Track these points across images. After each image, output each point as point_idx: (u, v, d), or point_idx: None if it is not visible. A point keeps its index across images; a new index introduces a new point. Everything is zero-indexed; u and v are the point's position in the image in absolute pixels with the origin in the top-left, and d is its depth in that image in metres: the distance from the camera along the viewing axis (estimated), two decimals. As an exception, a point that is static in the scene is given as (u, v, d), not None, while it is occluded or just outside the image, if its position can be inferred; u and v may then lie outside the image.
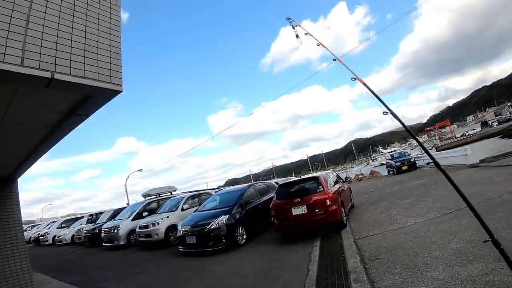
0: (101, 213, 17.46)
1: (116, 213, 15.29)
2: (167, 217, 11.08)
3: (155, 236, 10.62)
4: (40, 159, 4.79)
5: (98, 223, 15.46)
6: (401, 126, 3.35)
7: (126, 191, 29.60)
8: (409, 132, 3.66)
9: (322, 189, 8.14)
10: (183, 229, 8.92)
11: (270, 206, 8.51)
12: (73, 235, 18.33)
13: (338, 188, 9.15)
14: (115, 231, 12.38)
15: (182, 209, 11.57)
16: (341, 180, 10.78)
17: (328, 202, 7.73)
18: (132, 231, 12.36)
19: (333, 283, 4.67)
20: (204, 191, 13.29)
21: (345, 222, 8.20)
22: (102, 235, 13.07)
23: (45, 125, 3.55)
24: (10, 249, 5.57)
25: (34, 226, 30.28)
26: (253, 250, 7.84)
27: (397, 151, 36.82)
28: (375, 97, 3.39)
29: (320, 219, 7.59)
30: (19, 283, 5.56)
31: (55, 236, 20.18)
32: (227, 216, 8.69)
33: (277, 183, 11.74)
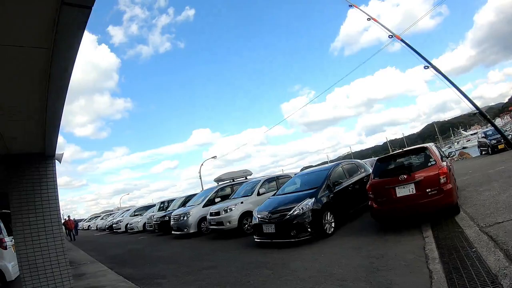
0: (173, 200, 17.09)
1: (187, 199, 14.66)
2: (241, 202, 9.95)
3: (227, 224, 9.60)
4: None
5: (168, 210, 15.04)
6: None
7: (200, 178, 29.72)
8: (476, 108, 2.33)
9: (434, 162, 6.32)
10: (259, 216, 7.69)
11: (367, 186, 6.88)
12: (144, 223, 18.42)
13: (447, 164, 7.18)
14: (185, 218, 11.67)
15: (258, 194, 10.36)
16: (445, 156, 8.68)
17: (442, 179, 5.94)
18: (203, 219, 11.51)
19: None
20: (283, 175, 12.00)
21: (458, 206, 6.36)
22: (171, 222, 12.47)
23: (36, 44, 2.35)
24: (44, 237, 4.68)
25: (110, 214, 31.83)
26: (345, 242, 6.34)
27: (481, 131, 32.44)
28: (415, 53, 3.12)
29: (433, 201, 5.87)
30: (53, 275, 4.67)
31: (127, 224, 20.59)
32: (313, 199, 7.25)
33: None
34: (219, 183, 13.34)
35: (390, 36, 3.49)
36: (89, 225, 35.04)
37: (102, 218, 32.16)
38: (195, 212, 11.72)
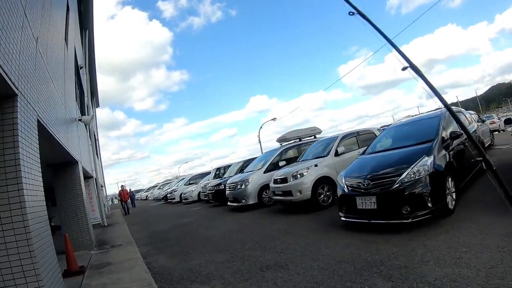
0: (229, 166, 15.31)
1: (245, 164, 12.74)
2: (315, 165, 7.58)
3: (297, 193, 7.34)
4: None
5: (224, 178, 13.28)
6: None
7: (260, 142, 28.58)
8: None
9: None
10: (349, 184, 5.29)
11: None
12: (199, 192, 17.05)
13: None
14: (242, 187, 9.67)
15: (336, 154, 7.94)
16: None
17: None
18: (264, 187, 9.43)
19: None
20: (364, 130, 9.33)
21: None
22: (227, 192, 10.59)
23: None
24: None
25: (167, 184, 31.52)
26: (485, 224, 3.92)
27: None
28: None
29: None
30: None
31: (181, 193, 19.44)
32: (431, 158, 4.74)
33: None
34: (283, 144, 11.05)
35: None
36: (147, 195, 35.49)
37: (159, 188, 32.09)
38: (255, 179, 9.64)
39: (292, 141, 10.97)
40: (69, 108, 7.51)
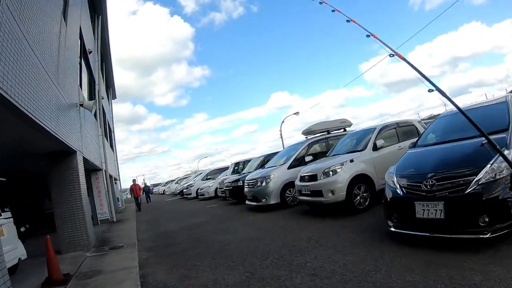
0: (249, 160, 14.07)
1: (266, 159, 11.53)
2: (350, 161, 6.28)
3: (329, 194, 6.04)
4: None
5: (243, 173, 12.13)
6: None
7: (281, 136, 27.32)
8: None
9: None
10: (404, 184, 4.03)
11: None
12: (216, 188, 16.01)
13: None
14: (263, 184, 8.46)
15: (375, 148, 6.66)
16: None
17: None
18: (288, 185, 8.23)
19: None
20: (404, 121, 7.91)
21: None
22: (245, 189, 9.42)
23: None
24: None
25: (184, 178, 30.73)
26: None
27: None
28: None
29: None
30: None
31: (198, 189, 18.47)
32: None
33: None
34: (308, 137, 9.76)
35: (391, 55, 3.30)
36: (164, 190, 34.89)
37: (176, 182, 31.35)
38: (278, 175, 8.40)
39: (319, 134, 9.65)
40: (66, 90, 6.53)
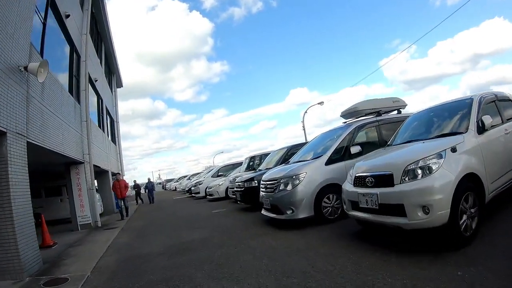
0: (268, 154, 11.13)
1: (290, 152, 8.77)
2: (452, 150, 3.45)
3: (418, 212, 3.14)
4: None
5: (259, 170, 9.35)
6: None
7: (304, 127, 24.87)
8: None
9: None
10: None
11: None
12: (227, 188, 13.38)
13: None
14: (287, 187, 5.61)
15: (482, 129, 3.86)
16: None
17: None
18: (326, 189, 5.52)
19: None
20: (501, 95, 5.01)
21: None
22: (260, 194, 6.64)
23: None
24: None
25: (197, 174, 28.18)
26: None
27: None
28: None
29: None
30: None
31: (207, 187, 15.82)
32: None
33: None
34: (347, 121, 6.93)
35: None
36: (175, 186, 32.52)
37: (188, 179, 28.87)
38: (311, 174, 5.53)
39: (364, 116, 6.75)
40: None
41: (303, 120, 25.63)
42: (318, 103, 25.12)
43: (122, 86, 24.15)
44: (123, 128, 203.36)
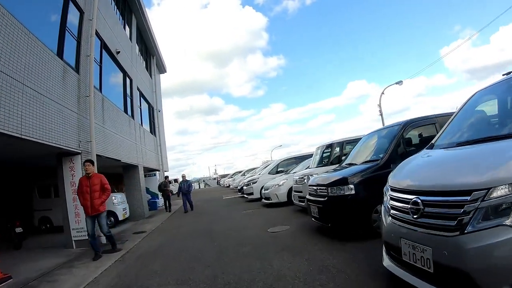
0: (357, 140, 7.06)
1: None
2: None
3: None
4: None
5: (347, 165, 5.73)
6: None
7: (381, 111, 21.73)
8: None
9: None
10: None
11: None
12: (290, 189, 9.77)
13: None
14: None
15: None
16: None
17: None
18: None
19: None
20: None
21: None
22: (389, 220, 2.72)
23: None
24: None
25: (252, 169, 24.57)
26: None
27: None
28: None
29: None
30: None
31: (262, 187, 11.94)
32: None
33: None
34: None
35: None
36: (229, 183, 29.45)
37: (243, 174, 25.55)
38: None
39: None
40: None
41: (380, 103, 22.05)
42: (396, 83, 21.63)
43: (165, 72, 21.64)
44: (181, 124, 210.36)
